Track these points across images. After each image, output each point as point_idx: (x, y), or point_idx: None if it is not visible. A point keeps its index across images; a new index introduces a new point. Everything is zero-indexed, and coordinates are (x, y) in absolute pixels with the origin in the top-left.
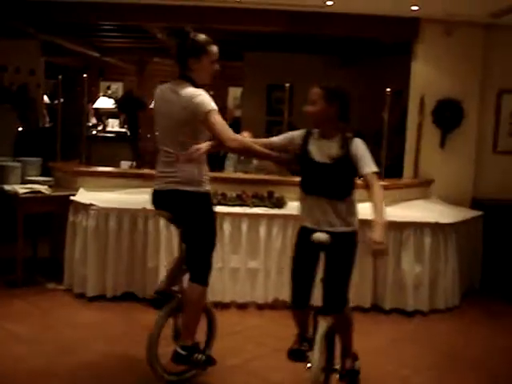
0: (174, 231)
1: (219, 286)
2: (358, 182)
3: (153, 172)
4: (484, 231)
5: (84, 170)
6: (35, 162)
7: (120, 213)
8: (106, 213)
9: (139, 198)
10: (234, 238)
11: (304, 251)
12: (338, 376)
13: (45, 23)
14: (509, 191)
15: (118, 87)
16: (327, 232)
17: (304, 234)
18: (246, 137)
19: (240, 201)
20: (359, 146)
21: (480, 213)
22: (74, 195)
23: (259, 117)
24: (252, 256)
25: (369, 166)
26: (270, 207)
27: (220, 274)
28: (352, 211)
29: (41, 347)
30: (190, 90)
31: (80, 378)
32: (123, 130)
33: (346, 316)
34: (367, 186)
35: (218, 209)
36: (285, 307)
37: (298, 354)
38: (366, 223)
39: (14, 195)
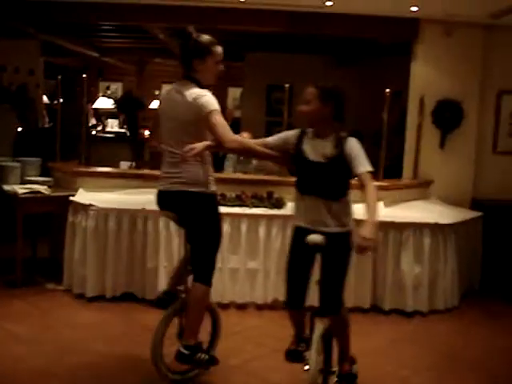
0: (174, 232)
1: (219, 287)
2: (353, 182)
3: (152, 172)
4: (484, 232)
5: (83, 171)
6: (35, 163)
7: (119, 213)
8: (105, 213)
9: (139, 198)
10: (234, 239)
11: (299, 252)
12: (335, 379)
13: (44, 23)
14: (508, 192)
15: (117, 87)
16: (322, 232)
17: (299, 234)
18: (245, 137)
19: (239, 201)
20: (354, 146)
21: (479, 213)
22: (73, 195)
23: (259, 117)
24: (251, 256)
25: (363, 165)
26: (270, 208)
27: (219, 275)
28: (347, 212)
29: (40, 347)
30: (195, 91)
31: (79, 378)
32: (122, 130)
33: (343, 318)
34: (361, 186)
35: None
36: (284, 308)
37: (295, 355)
38: (361, 223)
39: (14, 195)
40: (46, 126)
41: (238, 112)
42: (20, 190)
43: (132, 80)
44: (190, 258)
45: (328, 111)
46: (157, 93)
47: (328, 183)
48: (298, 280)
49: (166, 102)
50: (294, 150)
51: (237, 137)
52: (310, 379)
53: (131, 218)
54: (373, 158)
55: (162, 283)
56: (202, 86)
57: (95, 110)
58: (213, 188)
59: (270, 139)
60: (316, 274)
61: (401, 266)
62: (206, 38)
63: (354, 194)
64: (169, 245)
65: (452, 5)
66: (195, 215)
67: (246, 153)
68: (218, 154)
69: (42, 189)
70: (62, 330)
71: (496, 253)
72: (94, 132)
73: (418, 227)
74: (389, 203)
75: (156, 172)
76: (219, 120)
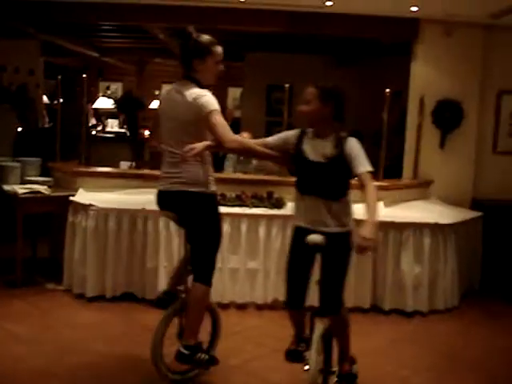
0: (174, 232)
1: (218, 287)
2: (354, 182)
3: (152, 172)
4: (484, 232)
5: (83, 171)
6: (35, 163)
7: (119, 213)
8: (105, 213)
9: (139, 198)
10: (234, 239)
11: (299, 252)
12: (335, 379)
13: (44, 23)
14: (508, 192)
15: (117, 87)
16: (322, 232)
17: (299, 234)
18: (245, 137)
19: (239, 201)
20: (353, 146)
21: (479, 213)
22: (73, 195)
23: (259, 117)
24: (251, 256)
25: (363, 165)
26: (270, 208)
27: (219, 275)
28: (347, 212)
29: (40, 347)
30: (195, 91)
31: (79, 379)
32: (122, 130)
33: (343, 318)
34: (361, 186)
35: None
36: (284, 308)
37: (295, 355)
38: (361, 223)
39: (14, 195)
40: (46, 125)
41: (238, 112)
42: (20, 189)
43: (132, 80)
44: (190, 257)
45: (328, 111)
46: (157, 93)
47: (328, 183)
48: (298, 280)
49: (166, 101)
50: (293, 150)
51: (237, 137)
52: (309, 379)
53: (131, 218)
54: (373, 158)
55: (162, 283)
56: (202, 86)
57: (95, 109)
58: (213, 188)
59: (270, 139)
60: (316, 273)
61: (401, 266)
62: (206, 37)
63: (353, 194)
64: (169, 245)
65: (452, 5)
66: (195, 215)
67: (245, 153)
68: (218, 154)
69: (42, 189)
70: (61, 329)
71: (496, 253)
72: (94, 132)
73: (418, 227)
74: (389, 203)
75: (156, 172)
76: (219, 120)
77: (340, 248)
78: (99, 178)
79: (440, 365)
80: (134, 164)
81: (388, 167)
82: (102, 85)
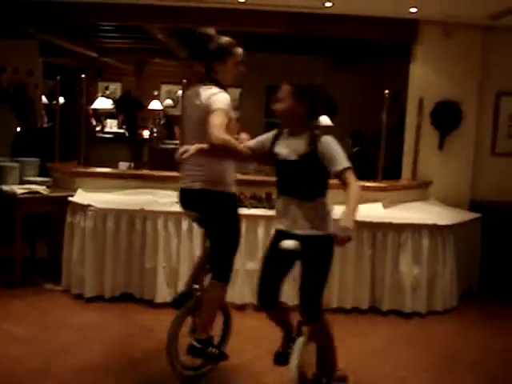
0: (173, 232)
1: None
2: (333, 182)
3: (151, 173)
4: (482, 233)
5: (82, 171)
6: (33, 163)
7: (118, 214)
8: (103, 214)
9: (137, 198)
10: None
11: (274, 255)
12: None
13: (43, 23)
14: (507, 193)
15: (116, 88)
16: (297, 235)
17: (276, 237)
18: (244, 138)
19: (238, 202)
20: (328, 144)
21: (478, 215)
22: (72, 196)
23: (258, 118)
24: (250, 257)
25: (340, 163)
26: (268, 208)
27: None
28: (324, 214)
29: (39, 348)
30: (210, 91)
31: (78, 379)
32: (121, 130)
33: (323, 325)
34: (343, 184)
35: None
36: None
37: (282, 359)
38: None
39: (12, 195)
40: (45, 125)
41: (237, 113)
42: (18, 190)
43: (131, 80)
44: (207, 257)
45: (302, 109)
46: (156, 93)
47: (301, 181)
48: (271, 282)
49: (186, 103)
50: (270, 149)
51: (225, 137)
52: None
53: (130, 218)
54: (372, 158)
55: (161, 283)
56: (222, 87)
57: (94, 110)
58: (231, 188)
59: (251, 142)
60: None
61: (399, 267)
62: (226, 39)
63: (337, 194)
64: (167, 245)
65: (451, 6)
66: (214, 214)
67: (227, 152)
68: None
69: (41, 189)
70: (60, 330)
71: (494, 254)
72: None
73: (416, 228)
74: (387, 204)
75: (155, 172)
76: (218, 118)
77: (317, 253)
78: (98, 178)
79: (438, 366)
80: (132, 164)
81: (387, 168)
82: (101, 85)
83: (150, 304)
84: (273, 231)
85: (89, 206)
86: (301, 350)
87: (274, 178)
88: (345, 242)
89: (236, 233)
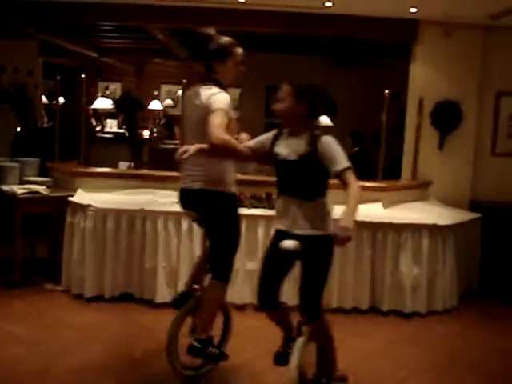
0: (172, 232)
1: None
2: (334, 182)
3: (151, 173)
4: (482, 233)
5: (82, 171)
6: (33, 163)
7: (118, 214)
8: (103, 214)
9: (137, 198)
10: None
11: (275, 255)
12: None
13: (43, 23)
14: (507, 193)
15: (116, 88)
16: (297, 236)
17: (277, 237)
18: (244, 138)
19: (238, 202)
20: (328, 144)
21: (478, 215)
22: (72, 196)
23: (258, 118)
24: (250, 257)
25: (340, 163)
26: (268, 208)
27: None
28: (324, 214)
29: (39, 348)
30: (209, 91)
31: (78, 379)
32: (121, 130)
33: (322, 325)
34: (343, 184)
35: None
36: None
37: (282, 359)
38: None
39: (12, 195)
40: (45, 126)
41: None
42: (18, 190)
43: (131, 80)
44: (207, 257)
45: (302, 109)
46: (156, 93)
47: (301, 181)
48: (270, 283)
49: (186, 103)
50: (270, 149)
51: (225, 137)
52: None
53: (130, 218)
54: (372, 158)
55: (161, 283)
56: (222, 87)
57: (94, 110)
58: (231, 188)
59: (251, 142)
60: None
61: (399, 267)
62: (226, 39)
63: (338, 194)
64: (167, 245)
65: (451, 6)
66: (213, 214)
67: (227, 152)
68: None
69: (41, 189)
70: (60, 330)
71: (494, 254)
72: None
73: (416, 228)
74: (387, 204)
75: (155, 172)
76: (217, 118)
77: (317, 253)
78: (98, 178)
79: (439, 366)
80: (132, 164)
81: (387, 168)
82: (101, 85)
83: (150, 304)
84: (273, 231)
85: (89, 205)
86: (301, 350)
87: (274, 178)
88: (345, 242)
89: (236, 233)
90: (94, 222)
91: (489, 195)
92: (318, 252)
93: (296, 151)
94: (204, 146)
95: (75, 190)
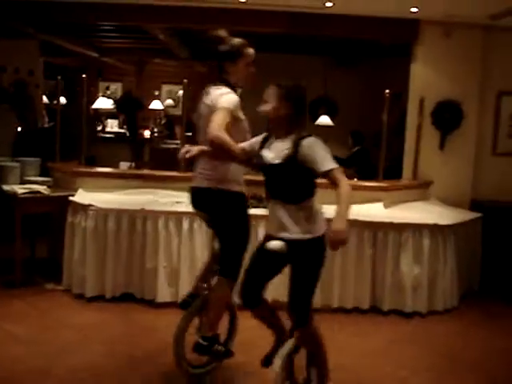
0: (173, 232)
1: None
2: (322, 182)
3: (152, 173)
4: (483, 233)
5: (83, 171)
6: (34, 163)
7: (119, 213)
8: (104, 213)
9: (138, 198)
10: None
11: (261, 256)
12: None
13: (44, 23)
14: (508, 193)
15: (116, 87)
16: (284, 239)
17: (265, 241)
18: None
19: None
20: (311, 146)
21: (479, 214)
22: (72, 196)
23: (258, 119)
24: None
25: (324, 164)
26: None
27: None
28: (311, 217)
29: (39, 348)
30: (219, 91)
31: (79, 379)
32: (122, 130)
33: (311, 331)
34: (333, 185)
35: None
36: (284, 308)
37: (268, 361)
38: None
39: (13, 195)
40: (46, 126)
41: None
42: (19, 189)
43: (131, 80)
44: (216, 256)
45: (288, 111)
46: (156, 93)
47: (285, 185)
48: (254, 283)
49: (200, 103)
50: (258, 153)
51: (220, 134)
52: None
53: (130, 218)
54: (373, 158)
55: (162, 283)
56: (232, 87)
57: (95, 110)
58: (239, 188)
59: (246, 144)
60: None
61: (400, 267)
62: (237, 40)
63: (327, 194)
64: (168, 245)
65: (452, 6)
66: (222, 212)
67: (222, 151)
68: None
69: (42, 189)
70: (61, 330)
71: (495, 254)
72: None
73: (417, 228)
74: (388, 204)
75: (156, 172)
76: (219, 117)
77: (305, 257)
78: (99, 178)
79: (439, 365)
80: (133, 164)
81: (388, 168)
82: (102, 85)
83: (151, 304)
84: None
85: (90, 205)
86: (286, 351)
87: None
88: (339, 246)
89: (245, 232)
90: (94, 221)
91: (490, 195)
92: (306, 256)
93: (280, 154)
94: (205, 147)
95: (76, 190)
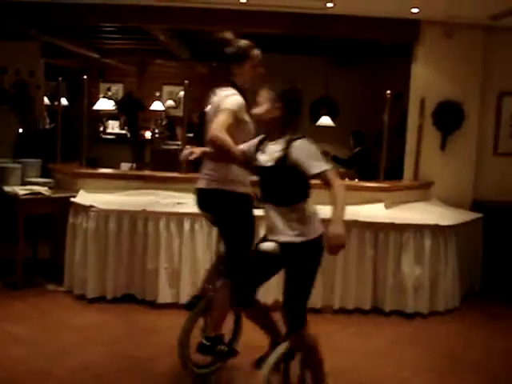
0: (175, 233)
1: None
2: (316, 182)
3: (153, 174)
4: (484, 233)
5: (84, 172)
6: (35, 164)
7: (120, 214)
8: (105, 214)
9: (139, 199)
10: None
11: (256, 258)
12: None
13: (45, 25)
14: (509, 193)
15: (118, 89)
16: (277, 242)
17: (260, 242)
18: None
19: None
20: (301, 148)
21: (480, 215)
22: (74, 197)
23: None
24: None
25: (315, 166)
26: None
27: None
28: (304, 220)
29: (40, 349)
30: (225, 93)
31: (80, 380)
32: (123, 131)
33: (303, 337)
34: (327, 186)
35: None
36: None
37: (260, 363)
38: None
39: (14, 196)
40: (47, 127)
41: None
42: (21, 191)
43: (133, 81)
44: (221, 258)
45: (281, 113)
46: (157, 94)
47: (277, 188)
48: (247, 284)
49: (209, 105)
50: (254, 156)
51: (219, 134)
52: None
53: (132, 219)
54: (374, 159)
55: (163, 284)
56: (239, 89)
57: (96, 111)
58: (243, 189)
59: (245, 146)
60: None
61: (401, 268)
62: (243, 42)
63: (322, 194)
64: (169, 246)
65: (452, 6)
66: (226, 213)
67: (222, 152)
68: None
69: (43, 190)
70: (62, 331)
71: (496, 254)
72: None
73: (418, 229)
74: (389, 204)
75: (157, 173)
76: (222, 118)
77: (298, 260)
78: (100, 179)
79: (440, 366)
80: (134, 165)
81: (389, 169)
82: (103, 86)
83: (152, 305)
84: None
85: (91, 206)
86: (278, 355)
87: None
88: (338, 250)
89: (249, 233)
90: (96, 222)
91: (491, 195)
92: (299, 259)
93: (272, 157)
94: (207, 149)
95: (77, 191)
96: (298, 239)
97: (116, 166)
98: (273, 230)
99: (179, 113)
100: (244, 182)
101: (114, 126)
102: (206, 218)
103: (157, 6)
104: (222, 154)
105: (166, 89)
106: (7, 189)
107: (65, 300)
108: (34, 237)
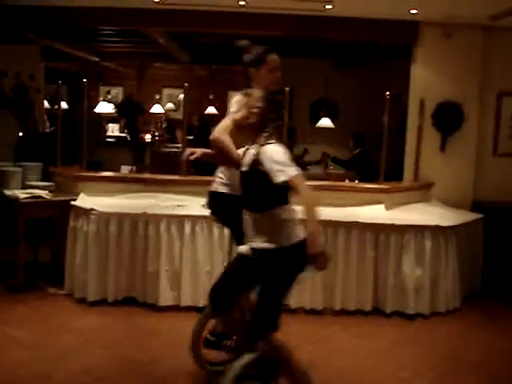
0: (175, 236)
1: None
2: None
3: (153, 176)
4: (484, 234)
5: (84, 175)
6: (36, 167)
7: (120, 217)
8: (106, 217)
9: (140, 202)
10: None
11: (236, 262)
12: None
13: (45, 28)
14: (509, 194)
15: (117, 92)
16: (252, 249)
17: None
18: None
19: None
20: (269, 153)
21: (480, 215)
22: (74, 200)
23: None
24: None
25: (281, 173)
26: None
27: None
28: (277, 226)
29: (41, 352)
30: (237, 97)
31: (80, 383)
32: (123, 134)
33: (270, 341)
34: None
35: None
36: (286, 311)
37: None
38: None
39: (15, 200)
40: (47, 130)
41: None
42: (21, 194)
43: (132, 84)
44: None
45: (255, 118)
46: (157, 97)
47: (248, 193)
48: (225, 286)
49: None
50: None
51: (220, 136)
52: None
53: (132, 222)
54: (374, 160)
55: (164, 287)
56: None
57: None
58: None
59: (240, 151)
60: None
61: (402, 269)
62: (260, 48)
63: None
64: (170, 249)
65: (451, 7)
66: (234, 217)
67: (222, 154)
68: None
69: (43, 193)
70: (63, 334)
71: (497, 255)
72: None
73: (419, 230)
74: (390, 206)
75: (157, 176)
76: (225, 121)
77: (270, 267)
78: (100, 182)
79: (441, 367)
80: (134, 168)
81: (389, 170)
82: (103, 89)
83: (153, 308)
84: None
85: (91, 209)
86: (241, 366)
87: None
88: (321, 261)
89: None
90: (96, 225)
91: (491, 196)
92: (271, 265)
93: (247, 162)
94: (207, 150)
95: (78, 194)
96: (270, 246)
97: (116, 168)
98: (247, 236)
99: (179, 115)
100: None
101: (113, 129)
102: (215, 220)
103: (156, 10)
104: (222, 157)
105: (166, 92)
106: (8, 192)
107: (66, 303)
108: (35, 240)
